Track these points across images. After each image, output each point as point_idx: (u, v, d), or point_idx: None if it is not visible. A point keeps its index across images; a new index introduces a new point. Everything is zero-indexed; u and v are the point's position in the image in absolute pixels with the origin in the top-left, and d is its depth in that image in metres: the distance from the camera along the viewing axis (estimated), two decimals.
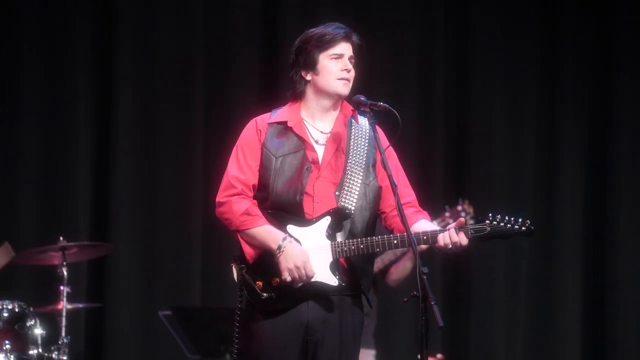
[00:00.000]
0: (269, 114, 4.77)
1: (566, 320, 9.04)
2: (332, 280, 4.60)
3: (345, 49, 4.67)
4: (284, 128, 4.70)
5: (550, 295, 9.06)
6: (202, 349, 7.39)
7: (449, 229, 4.55)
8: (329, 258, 4.59)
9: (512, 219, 4.60)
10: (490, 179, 9.04)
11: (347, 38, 4.68)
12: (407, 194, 4.78)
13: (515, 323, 8.95)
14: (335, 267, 4.61)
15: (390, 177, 4.51)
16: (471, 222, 7.41)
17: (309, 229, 4.62)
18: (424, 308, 4.24)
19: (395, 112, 4.56)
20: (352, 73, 4.69)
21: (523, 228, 4.60)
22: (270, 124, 4.71)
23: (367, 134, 4.71)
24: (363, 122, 4.75)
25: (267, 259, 4.59)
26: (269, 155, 4.65)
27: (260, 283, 4.60)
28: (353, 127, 4.73)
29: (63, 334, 6.83)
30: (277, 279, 4.58)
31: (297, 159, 4.64)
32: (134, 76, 8.33)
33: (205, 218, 8.29)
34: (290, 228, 4.62)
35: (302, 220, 4.61)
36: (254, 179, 4.66)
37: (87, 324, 8.11)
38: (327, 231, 4.60)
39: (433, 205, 7.41)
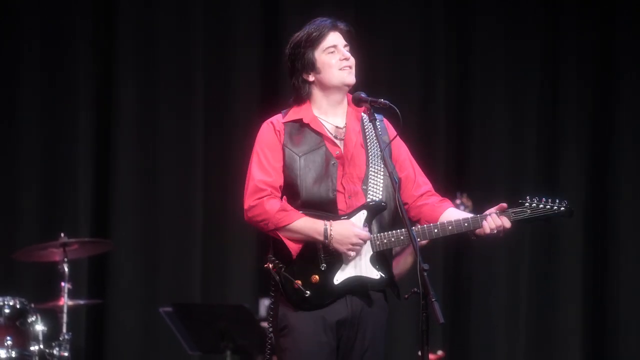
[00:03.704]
0: (279, 115, 4.72)
1: (567, 318, 9.03)
2: (375, 274, 4.58)
3: (336, 38, 4.67)
4: (300, 126, 4.65)
5: (551, 293, 9.06)
6: (203, 346, 7.39)
7: (490, 214, 4.57)
8: (369, 252, 4.58)
9: (549, 200, 4.61)
10: (490, 179, 9.03)
11: (334, 28, 4.68)
12: (424, 182, 4.81)
13: (516, 320, 8.95)
14: (375, 260, 4.59)
15: (392, 172, 4.53)
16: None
17: None
18: (424, 304, 4.22)
19: (395, 108, 4.55)
20: (352, 60, 4.67)
21: (562, 208, 4.62)
22: (285, 123, 4.66)
23: (378, 128, 4.67)
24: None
25: (305, 257, 4.56)
26: (292, 154, 4.61)
27: (300, 282, 4.57)
28: (365, 121, 4.71)
29: (64, 330, 6.84)
30: (317, 277, 4.55)
31: (320, 156, 4.61)
32: (134, 76, 8.34)
33: (205, 215, 8.30)
34: None
35: (336, 217, 4.57)
36: (280, 180, 4.60)
37: (88, 320, 8.12)
38: (364, 225, 4.57)
39: None
